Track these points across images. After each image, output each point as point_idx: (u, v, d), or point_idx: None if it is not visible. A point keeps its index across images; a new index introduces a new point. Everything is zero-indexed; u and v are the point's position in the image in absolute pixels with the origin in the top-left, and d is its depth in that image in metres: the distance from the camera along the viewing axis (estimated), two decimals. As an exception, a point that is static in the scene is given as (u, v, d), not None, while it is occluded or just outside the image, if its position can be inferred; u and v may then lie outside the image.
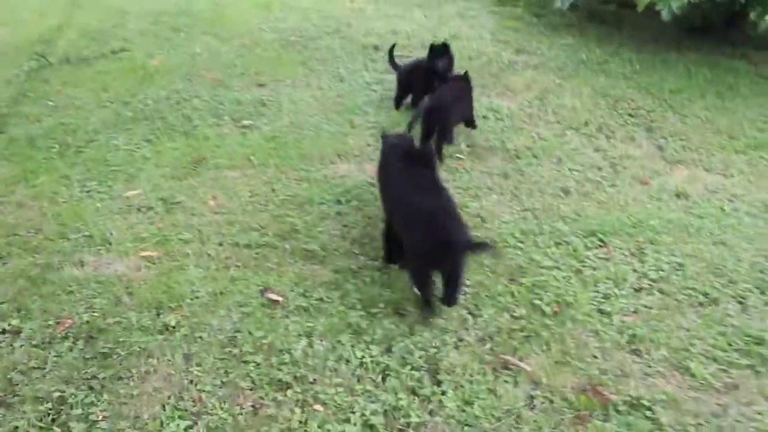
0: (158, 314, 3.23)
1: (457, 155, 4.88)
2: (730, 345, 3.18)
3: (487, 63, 6.73)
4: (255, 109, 5.52)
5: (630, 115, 5.84)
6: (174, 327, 3.14)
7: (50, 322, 3.16)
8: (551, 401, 2.84)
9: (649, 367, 3.03)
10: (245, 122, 5.27)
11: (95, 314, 3.21)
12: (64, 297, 3.33)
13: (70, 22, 7.63)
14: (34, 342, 3.05)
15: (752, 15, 7.42)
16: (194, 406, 2.75)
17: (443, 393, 2.84)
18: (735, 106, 6.24)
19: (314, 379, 2.89)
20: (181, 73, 6.21)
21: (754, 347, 3.16)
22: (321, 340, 3.09)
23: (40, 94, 5.79)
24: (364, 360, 2.99)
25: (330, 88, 5.97)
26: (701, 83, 6.71)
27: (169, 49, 6.86)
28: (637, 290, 3.54)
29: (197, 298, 3.33)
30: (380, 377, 2.91)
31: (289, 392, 2.83)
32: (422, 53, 6.58)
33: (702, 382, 2.96)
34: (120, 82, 6.02)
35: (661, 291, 3.55)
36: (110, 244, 3.76)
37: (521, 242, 3.91)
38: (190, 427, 2.67)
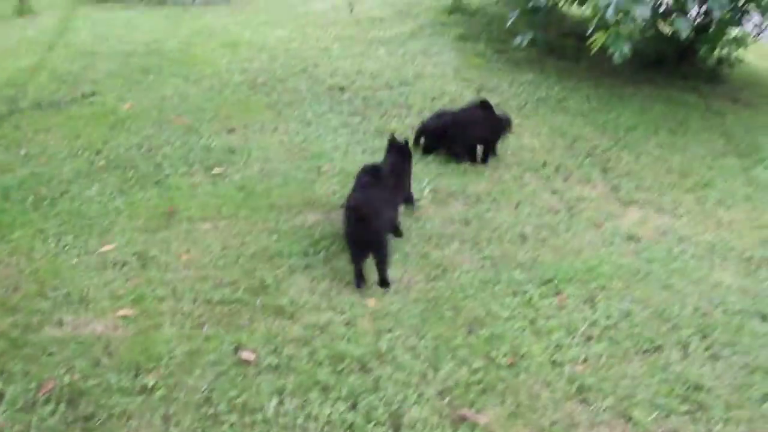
0: (136, 375, 3.36)
1: (419, 202, 5.09)
2: (672, 391, 3.42)
3: (449, 103, 6.95)
4: (225, 156, 5.66)
5: (587, 155, 6.13)
6: (152, 388, 3.27)
7: (32, 385, 3.26)
8: (506, 454, 3.06)
9: (596, 416, 3.25)
10: (216, 170, 5.42)
11: (76, 376, 3.32)
12: (44, 359, 3.44)
13: (40, 64, 7.70)
14: (17, 406, 3.15)
15: (701, 51, 7.83)
16: (172, 469, 2.92)
17: (405, 449, 3.04)
18: (686, 142, 6.58)
19: (285, 438, 3.07)
20: (151, 118, 6.33)
21: (693, 393, 3.41)
22: (291, 398, 3.25)
23: (12, 142, 5.82)
24: (331, 417, 3.15)
25: (297, 133, 6.14)
26: (655, 119, 7.07)
27: (139, 92, 6.96)
28: (588, 339, 3.77)
29: (173, 357, 3.47)
30: (347, 434, 3.10)
31: (261, 452, 3.00)
32: (387, 93, 6.90)
33: (643, 430, 3.19)
34: (91, 128, 6.11)
35: (610, 338, 3.78)
36: (88, 302, 3.88)
37: (481, 291, 4.13)
38: (169, 489, 2.84)
